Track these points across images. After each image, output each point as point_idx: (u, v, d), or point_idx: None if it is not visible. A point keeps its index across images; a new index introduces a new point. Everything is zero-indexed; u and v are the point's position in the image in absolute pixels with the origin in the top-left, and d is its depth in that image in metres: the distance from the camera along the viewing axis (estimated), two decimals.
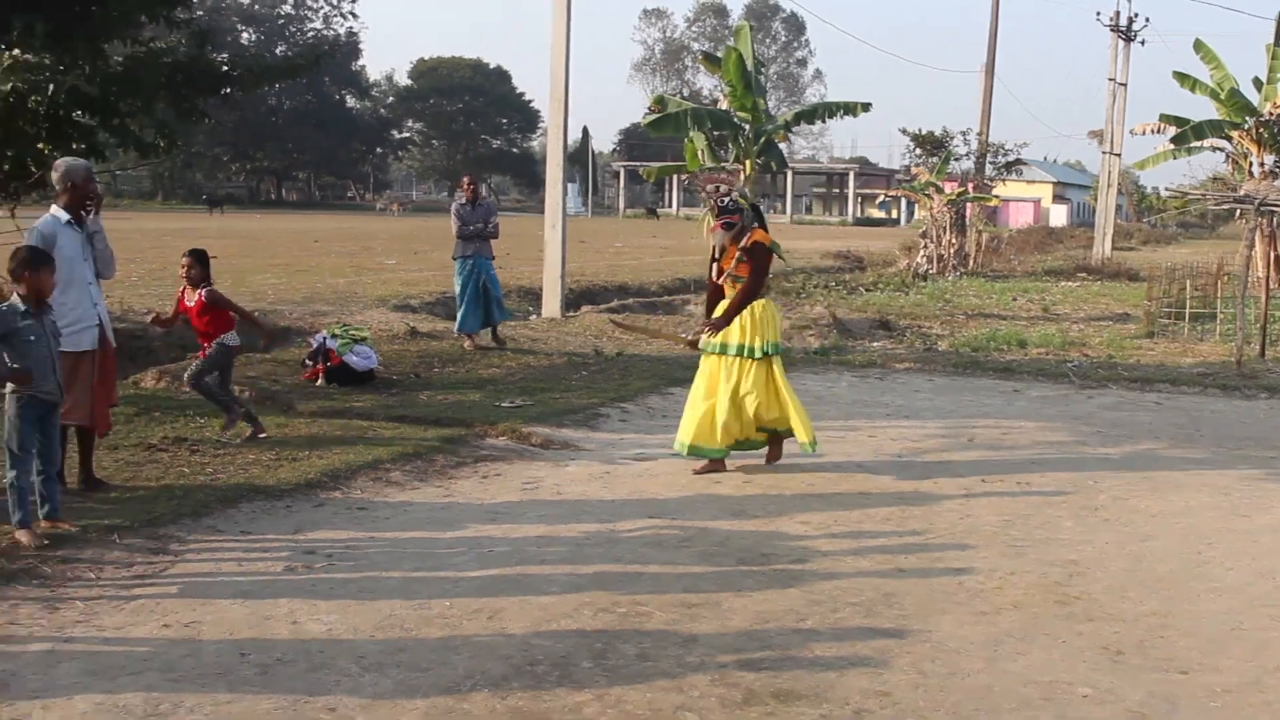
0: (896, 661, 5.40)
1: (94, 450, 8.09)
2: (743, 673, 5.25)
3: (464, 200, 15.18)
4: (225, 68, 11.80)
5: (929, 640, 5.66)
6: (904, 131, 35.69)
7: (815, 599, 6.23)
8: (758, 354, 8.96)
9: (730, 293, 9.10)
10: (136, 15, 10.91)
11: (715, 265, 9.29)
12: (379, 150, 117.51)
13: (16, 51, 9.22)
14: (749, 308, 8.97)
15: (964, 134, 35.91)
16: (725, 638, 5.66)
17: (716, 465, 9.08)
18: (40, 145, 10.72)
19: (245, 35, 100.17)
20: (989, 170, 37.22)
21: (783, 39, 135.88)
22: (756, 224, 9.21)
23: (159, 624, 5.67)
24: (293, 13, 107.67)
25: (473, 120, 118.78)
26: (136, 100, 10.79)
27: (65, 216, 7.78)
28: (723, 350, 9.01)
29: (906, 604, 6.19)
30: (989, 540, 7.42)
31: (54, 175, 7.93)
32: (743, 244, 9.05)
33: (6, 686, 4.91)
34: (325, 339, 12.32)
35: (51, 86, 9.26)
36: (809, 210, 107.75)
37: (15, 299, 6.86)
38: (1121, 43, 43.66)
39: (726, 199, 9.18)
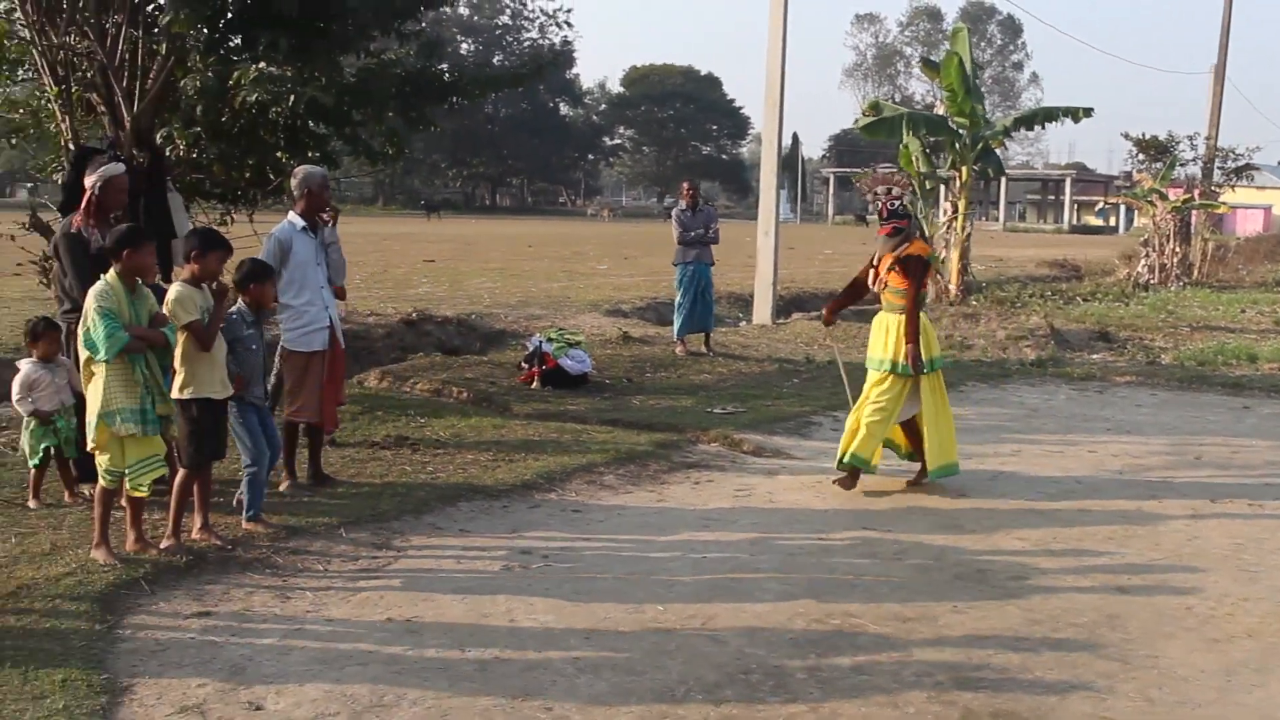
0: (1121, 687, 5.20)
1: (322, 447, 8.41)
2: (960, 691, 5.13)
3: (684, 206, 15.22)
4: (451, 78, 12.12)
5: (1155, 666, 5.45)
6: (1126, 136, 34.40)
7: (1035, 618, 6.05)
8: (924, 369, 8.58)
9: (888, 299, 8.73)
10: (371, 29, 11.30)
11: (873, 271, 8.85)
12: (590, 157, 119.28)
13: (262, 65, 9.66)
14: (898, 323, 8.60)
15: (1191, 138, 34.45)
16: (941, 653, 5.55)
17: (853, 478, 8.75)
18: (279, 154, 11.21)
19: (464, 46, 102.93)
20: (1217, 176, 35.63)
21: (998, 42, 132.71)
22: (917, 234, 8.85)
23: (383, 616, 5.86)
24: (510, 23, 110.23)
25: (683, 126, 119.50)
26: (368, 110, 11.18)
27: (301, 223, 8.12)
28: (891, 368, 8.61)
29: (1131, 627, 5.96)
30: (1219, 563, 7.09)
31: (293, 182, 8.28)
32: (899, 253, 8.62)
33: (243, 670, 5.14)
34: (541, 343, 12.54)
35: (292, 98, 9.66)
36: (1023, 217, 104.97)
37: (241, 306, 7.18)
38: None
39: (897, 203, 8.77)
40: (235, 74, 9.72)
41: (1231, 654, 5.64)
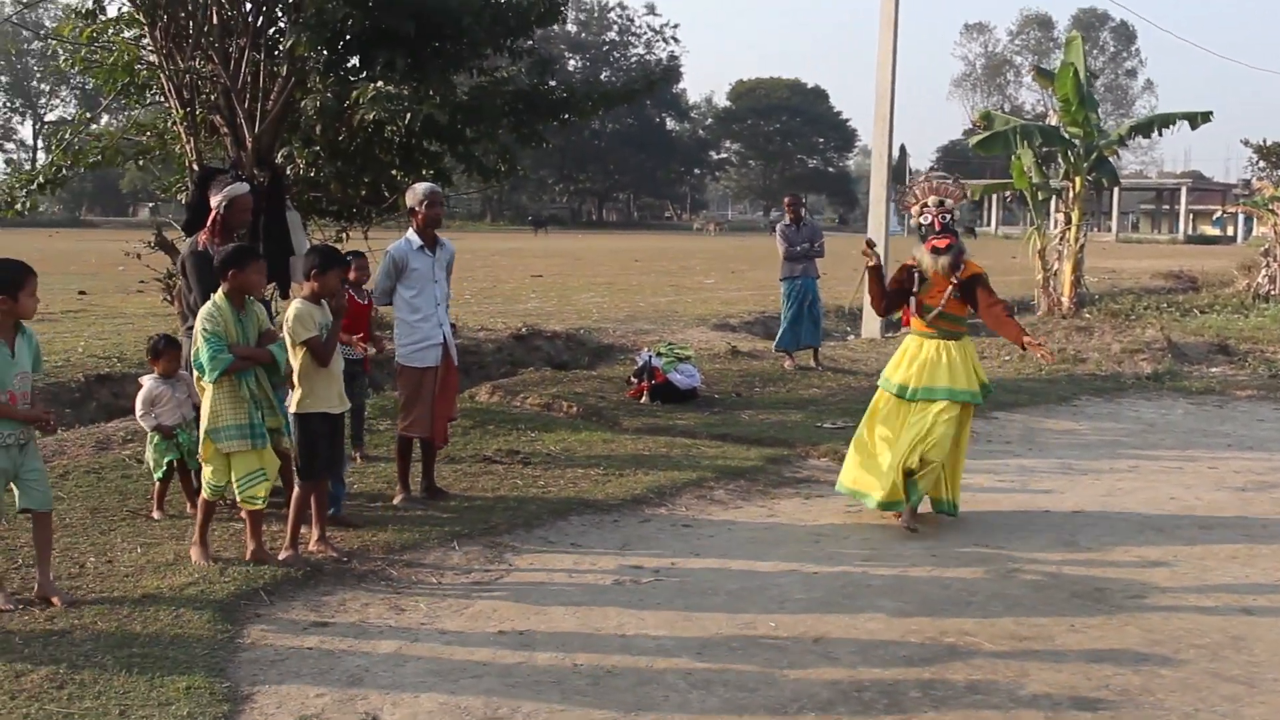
0: (1247, 712, 5.07)
1: (435, 461, 8.53)
2: (1078, 712, 5.05)
3: (788, 221, 15.18)
4: (563, 95, 12.24)
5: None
6: (1245, 143, 33.65)
7: (1155, 638, 5.92)
8: (969, 397, 7.89)
9: (941, 325, 7.92)
10: (484, 47, 11.49)
11: (915, 299, 8.00)
12: (696, 171, 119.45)
13: (379, 84, 9.87)
14: (951, 346, 7.88)
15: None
16: (1059, 673, 5.46)
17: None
18: (394, 171, 11.42)
19: (572, 62, 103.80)
20: None
21: (1111, 49, 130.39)
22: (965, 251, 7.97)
23: (496, 630, 5.92)
24: (617, 39, 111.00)
25: (789, 140, 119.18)
26: (481, 127, 11.35)
27: (418, 241, 8.26)
28: (927, 396, 7.82)
29: (1257, 650, 5.81)
30: None
31: (408, 199, 8.43)
32: (959, 276, 7.84)
33: (360, 680, 5.24)
34: (650, 357, 12.59)
35: (408, 116, 9.85)
36: (1135, 228, 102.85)
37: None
38: None
39: (949, 216, 7.93)
40: (353, 93, 9.95)
41: None
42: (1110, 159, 24.40)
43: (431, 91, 10.21)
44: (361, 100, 9.84)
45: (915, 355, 7.92)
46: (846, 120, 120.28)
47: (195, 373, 6.60)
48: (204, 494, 6.64)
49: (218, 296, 6.57)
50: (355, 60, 11.12)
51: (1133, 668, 5.52)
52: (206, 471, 6.60)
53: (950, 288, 7.82)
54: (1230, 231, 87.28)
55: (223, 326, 6.46)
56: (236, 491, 6.60)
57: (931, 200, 7.89)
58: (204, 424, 6.52)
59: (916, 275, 7.96)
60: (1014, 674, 5.45)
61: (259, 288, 6.86)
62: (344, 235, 12.37)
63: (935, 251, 7.82)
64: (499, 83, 11.67)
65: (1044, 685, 5.31)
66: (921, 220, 7.97)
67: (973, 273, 7.86)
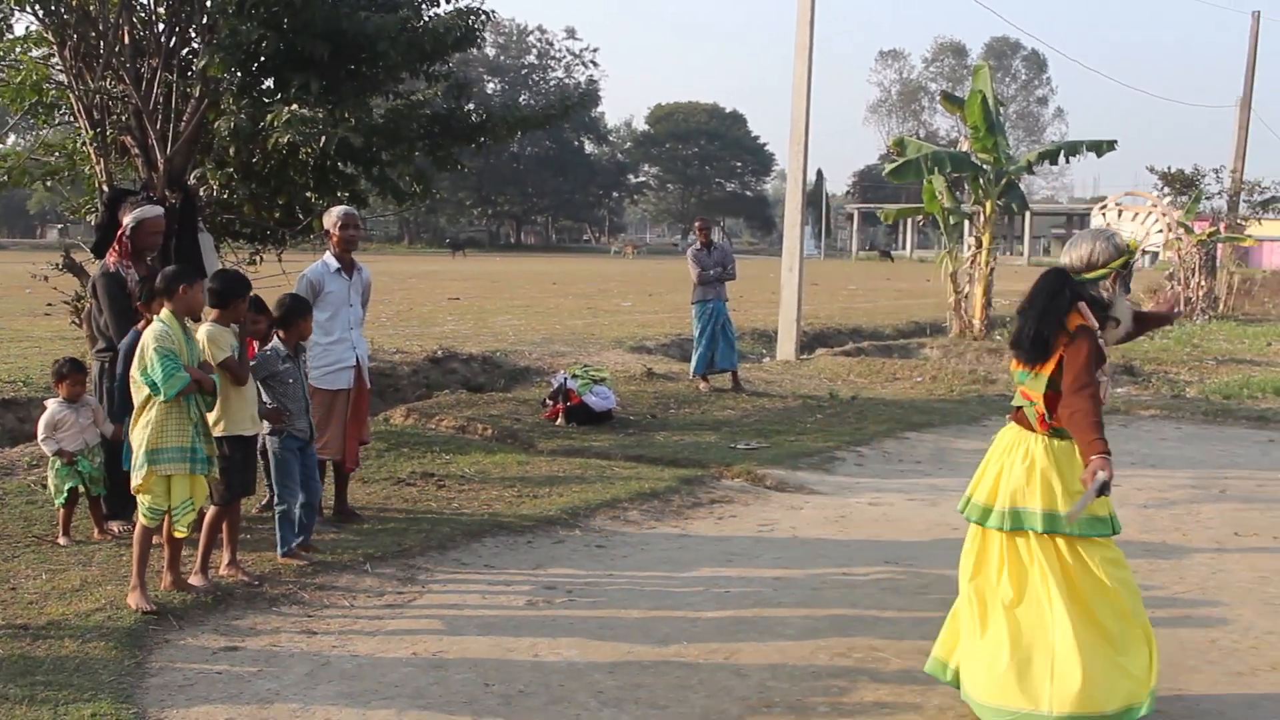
0: None
1: (348, 484, 8.50)
2: None
3: (699, 245, 15.32)
4: (479, 118, 12.27)
5: (1181, 701, 5.44)
6: (1151, 170, 34.50)
7: None
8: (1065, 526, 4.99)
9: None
10: (400, 71, 11.50)
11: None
12: (615, 194, 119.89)
13: (294, 106, 9.84)
14: (1034, 447, 5.14)
15: (1216, 171, 34.46)
16: None
17: None
18: (308, 194, 11.37)
19: (491, 86, 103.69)
20: (1243, 209, 35.56)
21: (1023, 77, 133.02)
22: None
23: (409, 651, 5.92)
24: (536, 63, 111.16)
25: (708, 164, 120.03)
26: (397, 150, 11.35)
27: (335, 264, 8.26)
28: (1015, 523, 5.11)
29: None
30: (1244, 597, 7.08)
31: (325, 221, 8.41)
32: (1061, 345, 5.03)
33: (270, 704, 5.21)
34: (565, 379, 12.63)
35: (322, 139, 9.82)
36: (1047, 252, 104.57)
37: (277, 343, 7.32)
38: None
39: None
40: (268, 116, 9.90)
41: (1256, 687, 5.63)
42: (1020, 184, 24.89)
43: (347, 114, 10.19)
44: (276, 122, 9.80)
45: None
46: (764, 144, 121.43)
47: (142, 393, 6.40)
48: (143, 521, 6.43)
49: (164, 315, 6.43)
50: (270, 82, 11.07)
51: None
52: (145, 498, 6.39)
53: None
54: (1138, 256, 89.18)
55: (176, 346, 6.37)
56: (173, 518, 6.49)
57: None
58: (144, 445, 6.33)
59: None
60: (921, 689, 5.55)
61: (203, 307, 6.80)
62: (258, 258, 12.28)
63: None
64: (415, 106, 11.67)
65: (948, 699, 5.41)
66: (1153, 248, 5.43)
67: (1080, 325, 5.04)
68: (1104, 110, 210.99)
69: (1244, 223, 35.33)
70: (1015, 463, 5.12)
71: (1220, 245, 33.17)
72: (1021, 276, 55.48)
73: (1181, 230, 31.85)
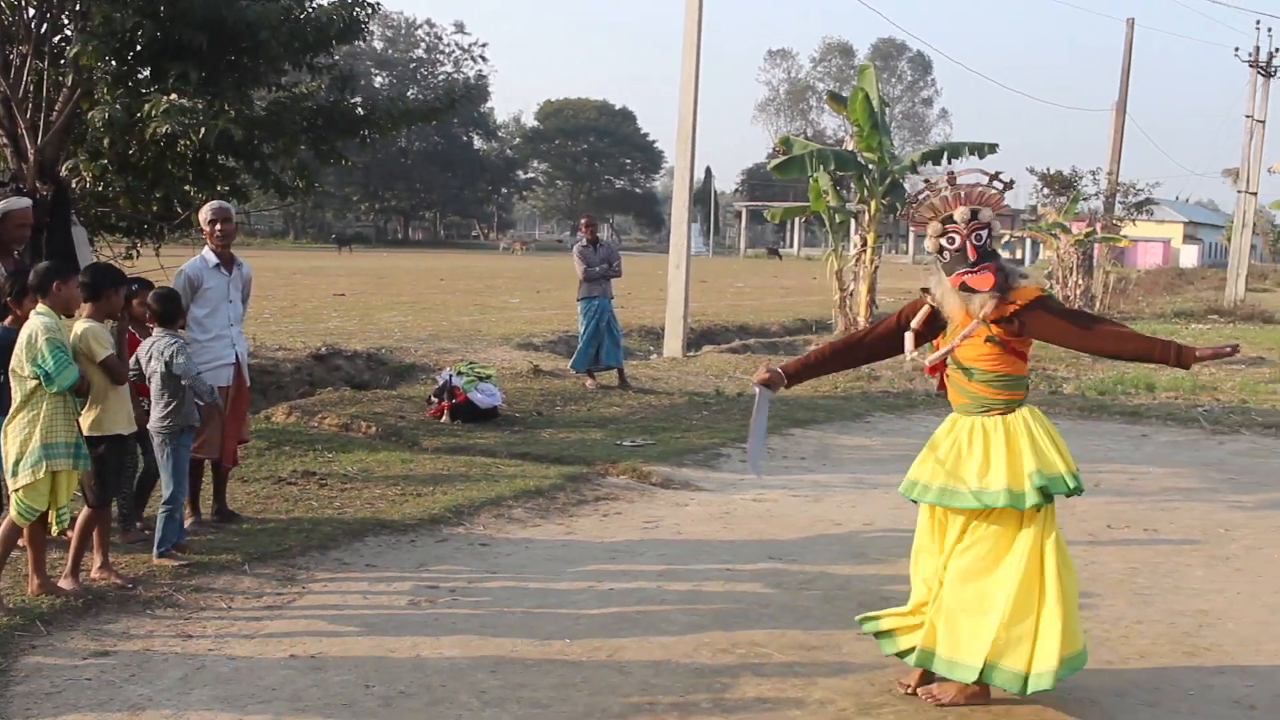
0: (1019, 710, 5.30)
1: (227, 483, 8.34)
2: (862, 717, 5.22)
3: (585, 242, 15.33)
4: (364, 111, 12.11)
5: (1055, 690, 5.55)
6: (1031, 171, 35.18)
7: None
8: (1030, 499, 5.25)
9: (976, 391, 5.45)
10: (282, 62, 11.28)
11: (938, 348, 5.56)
12: (504, 190, 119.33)
13: (171, 97, 9.61)
14: (1008, 423, 5.38)
15: (1093, 173, 35.29)
16: (845, 680, 5.63)
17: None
18: (187, 187, 11.12)
19: (379, 79, 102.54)
20: (1118, 210, 36.48)
21: (909, 78, 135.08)
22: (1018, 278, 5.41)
23: (287, 654, 5.81)
24: (425, 57, 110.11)
25: (597, 160, 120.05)
26: (279, 143, 11.15)
27: (214, 259, 8.09)
28: (979, 500, 5.28)
29: None
30: (1115, 588, 7.26)
31: (200, 216, 8.23)
32: (1007, 310, 5.29)
33: (142, 710, 5.08)
34: (451, 376, 12.53)
35: (201, 130, 9.61)
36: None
37: (159, 335, 7.17)
38: (1260, 78, 42.61)
39: (984, 233, 5.32)
40: (144, 106, 9.66)
41: (1125, 675, 5.77)
42: (904, 184, 25.27)
43: (227, 105, 9.98)
44: (153, 113, 9.56)
45: (967, 442, 5.47)
46: (654, 142, 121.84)
47: (28, 385, 6.18)
48: (13, 518, 6.22)
49: (43, 309, 6.27)
50: (146, 72, 10.80)
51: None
52: (23, 495, 6.17)
53: (996, 328, 5.33)
54: (1019, 255, 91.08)
55: (63, 338, 6.19)
56: (54, 516, 6.30)
57: (960, 213, 5.33)
58: (35, 441, 6.13)
59: (922, 313, 5.60)
60: (802, 683, 5.60)
61: (79, 303, 6.61)
62: (134, 252, 12.00)
63: (966, 289, 5.29)
64: (298, 98, 11.47)
65: (830, 692, 5.47)
66: (943, 243, 5.39)
67: (1035, 299, 5.33)
68: (988, 113, 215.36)
69: (1119, 223, 36.20)
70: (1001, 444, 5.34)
71: (1097, 245, 33.98)
72: (906, 274, 56.46)
73: (1059, 230, 32.59)
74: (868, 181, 22.88)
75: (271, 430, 11.19)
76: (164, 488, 7.17)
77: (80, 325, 6.56)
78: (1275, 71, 43.08)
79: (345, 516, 8.29)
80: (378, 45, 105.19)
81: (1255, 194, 43.98)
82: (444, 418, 12.21)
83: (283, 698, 5.27)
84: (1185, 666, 5.94)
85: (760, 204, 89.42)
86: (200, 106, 9.70)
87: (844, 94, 24.34)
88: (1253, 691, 5.61)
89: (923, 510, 5.66)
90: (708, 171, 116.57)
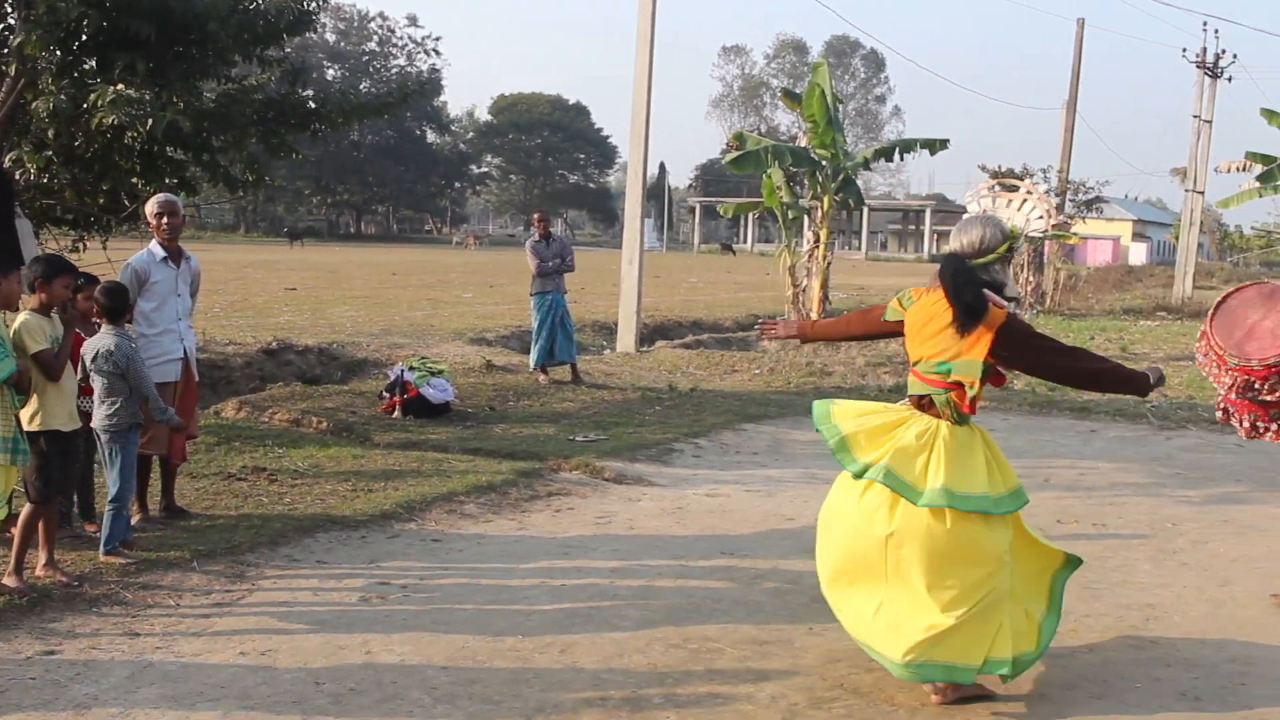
0: (971, 705, 5.33)
1: (175, 479, 8.25)
2: (814, 711, 5.23)
3: (537, 237, 15.31)
4: (315, 105, 12.02)
5: (1000, 683, 5.59)
6: (983, 168, 35.41)
7: None
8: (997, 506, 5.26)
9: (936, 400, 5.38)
10: (231, 54, 11.18)
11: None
12: (457, 185, 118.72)
13: (118, 87, 9.49)
14: (945, 437, 5.32)
15: (1044, 171, 35.59)
16: (797, 676, 5.64)
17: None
18: (134, 179, 10.99)
19: (331, 72, 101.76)
20: (1068, 208, 36.80)
21: (862, 75, 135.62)
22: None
23: (236, 651, 5.76)
24: (377, 50, 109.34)
25: (551, 155, 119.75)
26: (228, 136, 11.05)
27: (161, 253, 7.99)
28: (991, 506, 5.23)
29: None
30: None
31: (147, 209, 8.13)
32: (984, 329, 5.21)
33: (88, 709, 5.02)
34: (403, 371, 12.46)
35: (149, 122, 9.50)
36: (884, 247, 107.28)
37: (107, 331, 7.07)
38: (1208, 79, 43.12)
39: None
40: (90, 97, 9.53)
41: (1073, 669, 5.81)
42: (857, 180, 25.38)
43: (175, 97, 9.87)
44: (99, 103, 9.45)
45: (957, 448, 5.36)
46: (607, 137, 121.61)
47: None
48: None
49: None
50: (92, 63, 10.68)
51: (866, 667, 5.73)
52: None
53: (982, 346, 5.29)
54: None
55: (2, 332, 6.10)
56: None
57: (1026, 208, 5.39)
58: None
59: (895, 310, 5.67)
60: (754, 678, 5.60)
61: (18, 298, 6.50)
62: (80, 245, 11.85)
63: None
64: (247, 91, 11.36)
65: (782, 687, 5.48)
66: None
67: (1009, 320, 5.28)
68: (941, 110, 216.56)
69: (1069, 221, 36.53)
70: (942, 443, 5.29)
71: (1047, 242, 34.28)
72: (859, 271, 56.78)
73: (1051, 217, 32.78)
74: (821, 178, 22.94)
75: (221, 426, 11.09)
76: (110, 486, 7.09)
77: (20, 318, 6.47)
78: (1222, 73, 43.58)
79: (296, 512, 8.22)
80: (330, 38, 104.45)
81: (1202, 193, 44.48)
82: (396, 413, 12.14)
83: (231, 696, 5.21)
84: (1133, 660, 5.99)
85: (714, 199, 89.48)
86: (147, 98, 9.60)
87: (798, 91, 24.41)
88: (1198, 684, 5.67)
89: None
90: (662, 167, 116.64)
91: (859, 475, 5.37)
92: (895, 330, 5.63)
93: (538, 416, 12.63)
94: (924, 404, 5.41)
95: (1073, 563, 5.60)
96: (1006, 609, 5.22)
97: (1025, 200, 6.06)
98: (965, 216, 5.79)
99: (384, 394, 12.60)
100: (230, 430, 10.88)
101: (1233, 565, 7.86)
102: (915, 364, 5.44)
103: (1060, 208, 36.25)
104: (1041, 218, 6.18)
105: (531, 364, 15.28)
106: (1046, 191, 29.95)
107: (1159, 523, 8.98)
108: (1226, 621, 6.68)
